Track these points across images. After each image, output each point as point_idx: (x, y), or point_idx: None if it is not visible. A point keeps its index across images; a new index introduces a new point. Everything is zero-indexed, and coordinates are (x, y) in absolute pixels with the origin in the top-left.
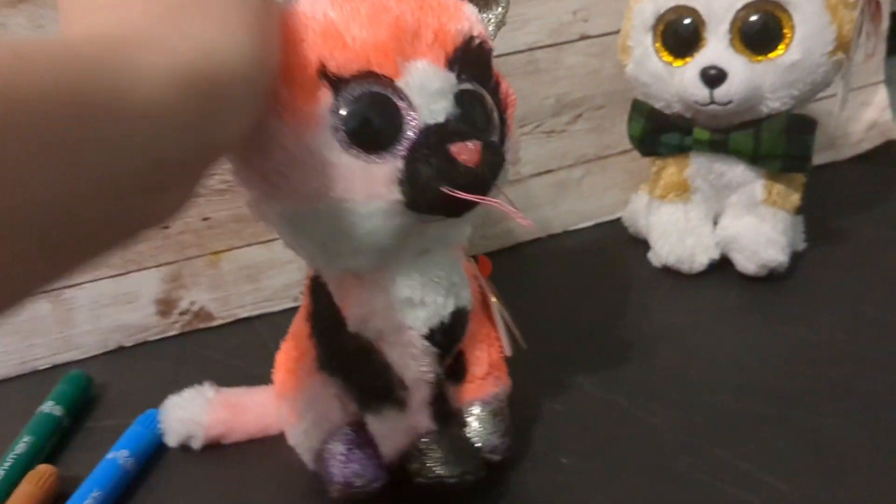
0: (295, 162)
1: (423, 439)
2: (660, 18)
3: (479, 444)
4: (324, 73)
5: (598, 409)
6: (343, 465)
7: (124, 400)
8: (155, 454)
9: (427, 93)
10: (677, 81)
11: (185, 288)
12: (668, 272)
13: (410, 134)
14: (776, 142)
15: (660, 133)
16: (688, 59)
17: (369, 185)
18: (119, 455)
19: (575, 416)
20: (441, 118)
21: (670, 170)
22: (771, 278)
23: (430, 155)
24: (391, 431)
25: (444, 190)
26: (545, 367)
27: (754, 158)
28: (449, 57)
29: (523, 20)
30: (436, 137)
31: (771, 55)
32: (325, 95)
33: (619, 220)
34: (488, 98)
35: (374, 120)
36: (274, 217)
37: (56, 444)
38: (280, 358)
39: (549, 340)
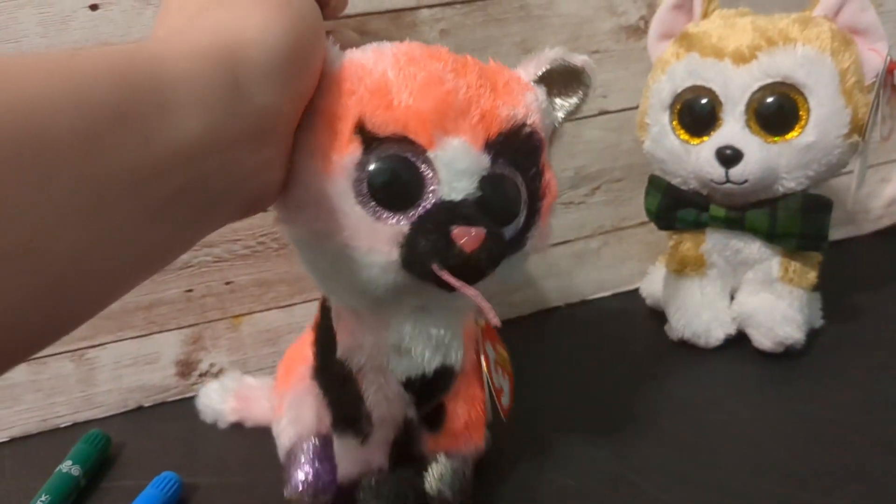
0: (311, 201)
1: (373, 475)
2: (677, 97)
3: (431, 493)
4: (361, 128)
5: (609, 484)
6: (299, 471)
7: (141, 460)
8: None
9: (452, 170)
10: (693, 160)
11: (205, 350)
12: (685, 345)
13: (426, 204)
14: (792, 221)
15: (676, 209)
16: (704, 138)
17: (373, 240)
18: None
19: (586, 492)
20: (458, 197)
21: (687, 245)
22: (787, 355)
23: (432, 230)
24: (347, 457)
25: (434, 267)
26: (558, 440)
27: (770, 236)
28: (489, 139)
29: None
30: (443, 215)
31: (786, 137)
32: (356, 149)
33: (636, 290)
34: (520, 185)
35: (395, 182)
36: (290, 239)
37: (73, 503)
38: (287, 353)
39: (562, 411)
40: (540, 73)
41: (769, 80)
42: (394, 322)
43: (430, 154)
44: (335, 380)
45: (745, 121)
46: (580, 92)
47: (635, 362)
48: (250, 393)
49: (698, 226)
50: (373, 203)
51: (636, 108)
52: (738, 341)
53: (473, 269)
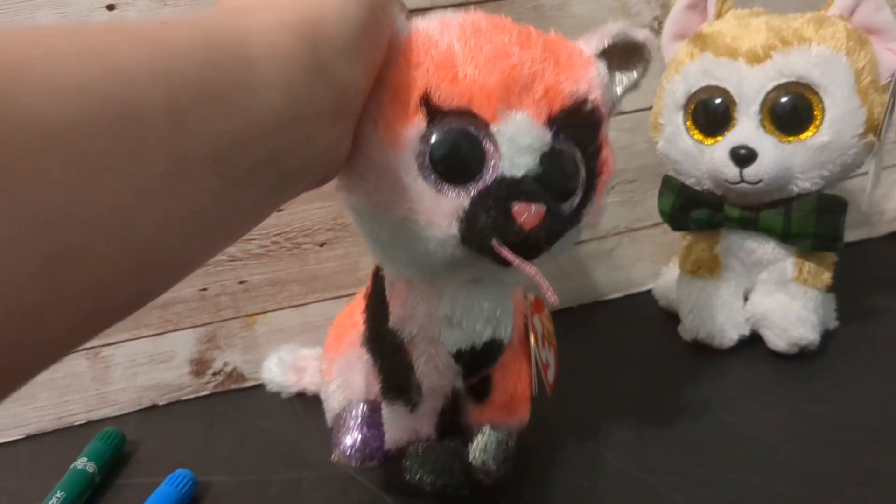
0: (374, 171)
1: (420, 443)
2: (691, 98)
3: (475, 464)
4: (426, 101)
5: (623, 484)
6: (347, 436)
7: (155, 458)
8: None
9: (515, 145)
10: (708, 160)
11: (219, 349)
12: (698, 346)
13: (487, 179)
14: (806, 221)
15: (690, 209)
16: (718, 138)
17: (433, 214)
18: None
19: (600, 492)
20: (520, 173)
21: (701, 245)
22: (801, 356)
23: (492, 206)
24: (396, 425)
25: (494, 243)
26: (572, 440)
27: (784, 237)
28: (552, 115)
29: None
30: (504, 191)
31: (801, 136)
32: (421, 121)
33: (649, 291)
34: (579, 162)
35: (457, 156)
36: (349, 207)
37: (88, 499)
38: (337, 319)
39: (576, 412)
40: (603, 47)
41: (784, 80)
42: (447, 294)
43: (493, 128)
44: (386, 349)
45: (759, 120)
46: (640, 67)
47: (648, 363)
48: (305, 364)
49: (712, 226)
50: (434, 176)
51: (650, 108)
52: (752, 342)
53: (532, 245)
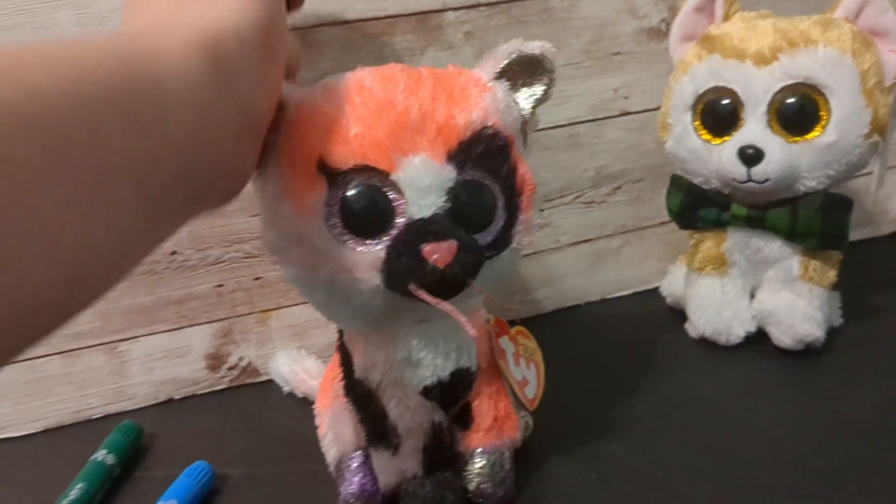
0: (293, 243)
1: (410, 481)
2: (699, 98)
3: (472, 489)
4: (322, 166)
5: (631, 478)
6: (347, 484)
7: (172, 451)
8: None
9: (417, 188)
10: (716, 159)
11: (234, 344)
12: (705, 343)
13: (399, 225)
14: (812, 220)
15: (698, 208)
16: (726, 138)
17: (354, 270)
18: None
19: (608, 485)
20: (428, 213)
21: (708, 243)
22: (807, 353)
23: (403, 252)
24: (383, 469)
25: (411, 287)
26: (579, 435)
27: (791, 235)
28: (452, 150)
29: (564, 97)
30: (413, 235)
31: (807, 136)
32: (322, 187)
33: (656, 289)
34: (491, 188)
35: (364, 212)
36: (287, 278)
37: (107, 491)
38: (326, 372)
39: (583, 407)
40: (498, 69)
41: (791, 81)
42: (399, 337)
43: (394, 177)
44: (359, 397)
45: (766, 121)
46: (545, 78)
47: (655, 360)
48: (305, 376)
49: (719, 225)
50: (347, 234)
51: (657, 109)
52: (758, 339)
53: (450, 282)
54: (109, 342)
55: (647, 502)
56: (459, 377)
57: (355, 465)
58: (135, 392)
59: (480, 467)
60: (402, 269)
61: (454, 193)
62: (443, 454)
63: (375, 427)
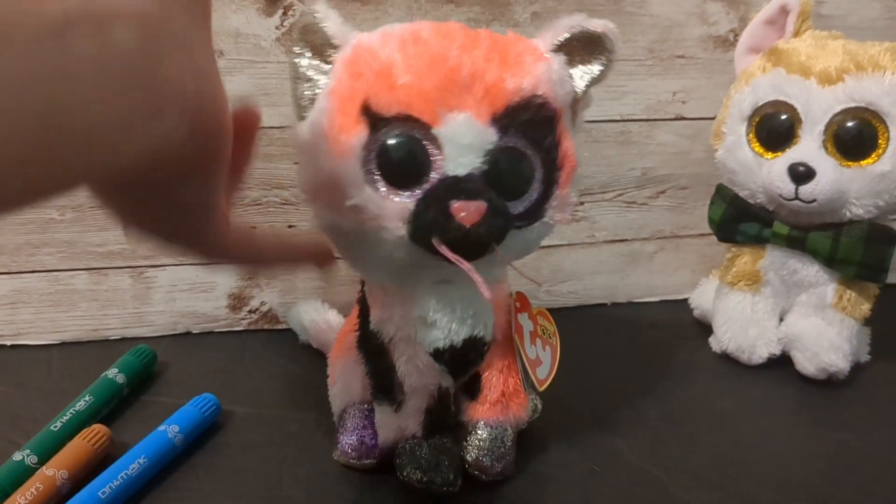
0: (324, 182)
1: (408, 441)
2: (757, 110)
3: (469, 460)
4: (367, 109)
5: (634, 476)
6: (346, 436)
7: (182, 382)
8: (204, 436)
9: (457, 145)
10: (765, 173)
11: (258, 287)
12: (727, 359)
13: (432, 180)
14: (854, 248)
15: (740, 221)
16: (778, 153)
17: (382, 218)
18: (170, 429)
19: (611, 480)
20: (463, 172)
21: (744, 258)
22: (828, 383)
23: (432, 205)
24: (383, 424)
25: (434, 241)
26: (586, 427)
27: (830, 261)
28: (497, 113)
29: (622, 92)
30: (444, 190)
31: (862, 162)
32: (363, 130)
33: (684, 301)
34: (533, 157)
35: (401, 161)
36: (316, 224)
37: (114, 408)
38: (345, 323)
39: (594, 402)
40: (557, 41)
41: (853, 104)
42: (418, 296)
43: (435, 131)
44: (371, 350)
45: (822, 141)
46: (603, 58)
47: (674, 368)
48: (325, 327)
49: (759, 241)
50: (381, 182)
51: (713, 118)
52: (781, 363)
53: (474, 242)
54: (137, 266)
55: (645, 502)
56: (472, 345)
57: (358, 417)
58: (154, 320)
59: (481, 439)
60: (428, 222)
61: (493, 157)
62: (445, 420)
63: (382, 381)
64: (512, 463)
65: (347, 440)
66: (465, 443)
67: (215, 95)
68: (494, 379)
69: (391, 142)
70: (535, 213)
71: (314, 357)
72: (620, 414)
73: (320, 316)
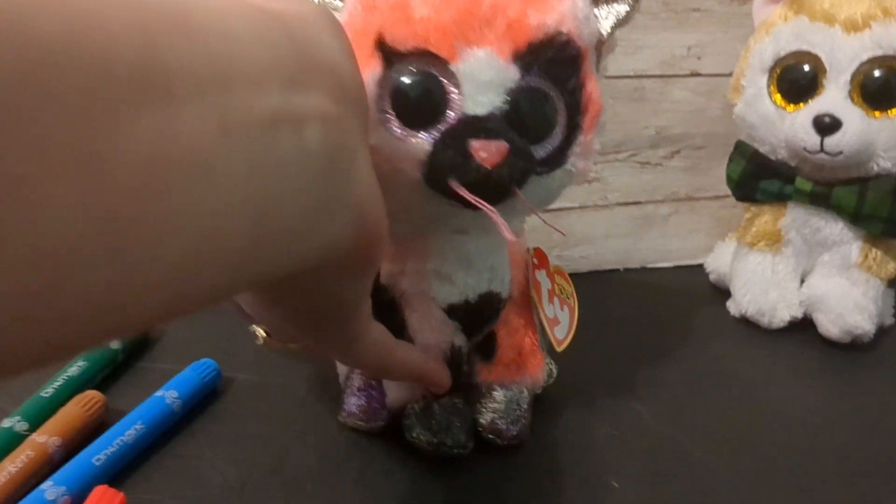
0: None
1: (417, 402)
2: (779, 61)
3: (484, 423)
4: (381, 44)
5: (654, 440)
6: (353, 397)
7: (181, 348)
8: (202, 402)
9: (476, 83)
10: (787, 126)
11: None
12: (746, 323)
13: (451, 120)
14: (881, 203)
15: (760, 178)
16: (801, 105)
17: (396, 160)
18: (167, 395)
19: (630, 443)
20: (483, 111)
21: (765, 217)
22: (852, 346)
23: (450, 145)
24: (394, 384)
25: (452, 183)
26: (604, 392)
27: (855, 217)
28: (519, 50)
29: (636, 46)
30: (463, 129)
31: (890, 113)
32: (377, 66)
33: (699, 266)
34: (556, 99)
35: (417, 100)
36: None
37: (108, 375)
38: None
39: (611, 368)
40: None
41: (880, 53)
42: (433, 248)
43: (453, 67)
44: (381, 306)
45: (848, 91)
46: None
47: (692, 333)
48: None
49: (780, 198)
50: (396, 121)
51: (729, 74)
52: (803, 326)
53: (494, 185)
54: None
55: (667, 466)
56: (488, 301)
57: (364, 379)
58: None
59: (497, 402)
60: (446, 163)
61: (514, 97)
62: (457, 381)
63: None
64: (528, 427)
65: (355, 401)
66: (479, 405)
67: (376, 201)
68: (511, 338)
69: (406, 79)
70: (557, 159)
71: None
72: (638, 379)
73: None
